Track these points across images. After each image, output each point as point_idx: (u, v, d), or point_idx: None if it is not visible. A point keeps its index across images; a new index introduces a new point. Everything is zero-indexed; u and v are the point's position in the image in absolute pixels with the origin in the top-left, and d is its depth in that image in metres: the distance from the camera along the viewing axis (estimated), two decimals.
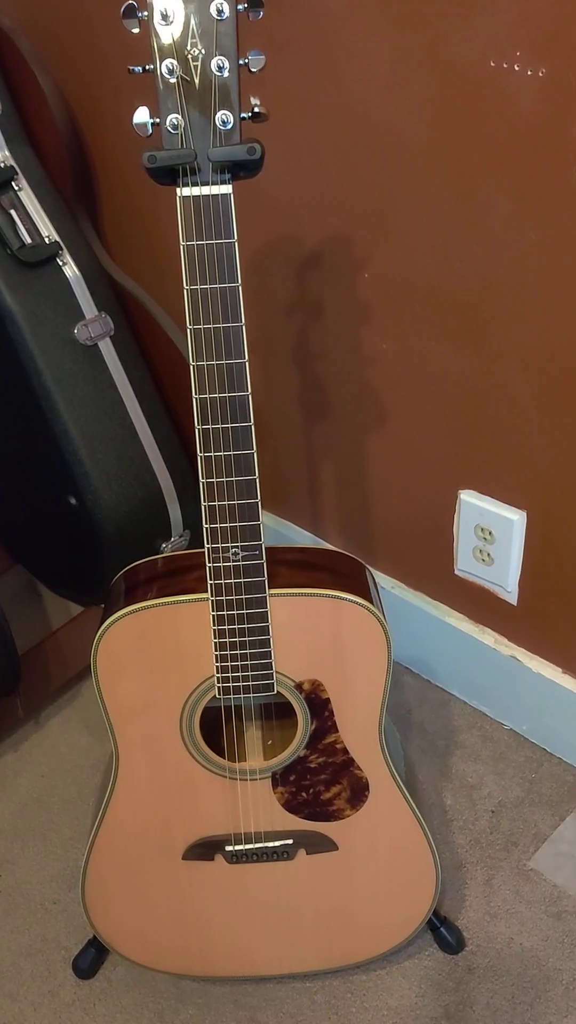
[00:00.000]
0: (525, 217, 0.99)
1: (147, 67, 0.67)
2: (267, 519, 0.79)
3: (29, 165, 1.23)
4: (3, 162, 1.21)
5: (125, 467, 1.30)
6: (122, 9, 0.67)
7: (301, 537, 1.49)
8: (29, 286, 1.21)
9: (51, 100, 1.24)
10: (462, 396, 1.16)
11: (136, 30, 0.67)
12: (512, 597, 1.25)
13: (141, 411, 1.30)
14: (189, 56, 0.67)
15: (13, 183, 1.21)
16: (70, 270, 1.24)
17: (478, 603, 1.30)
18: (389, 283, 1.15)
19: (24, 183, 1.22)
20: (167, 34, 0.66)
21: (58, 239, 1.23)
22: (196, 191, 0.69)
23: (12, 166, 1.21)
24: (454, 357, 1.13)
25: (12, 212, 1.21)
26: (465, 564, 1.28)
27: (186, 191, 0.69)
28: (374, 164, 1.08)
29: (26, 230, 1.21)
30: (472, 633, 1.32)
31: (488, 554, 1.24)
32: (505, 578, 1.24)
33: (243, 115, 0.68)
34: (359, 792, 0.93)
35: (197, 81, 0.67)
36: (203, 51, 0.67)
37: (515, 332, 1.06)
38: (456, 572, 1.30)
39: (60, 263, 1.23)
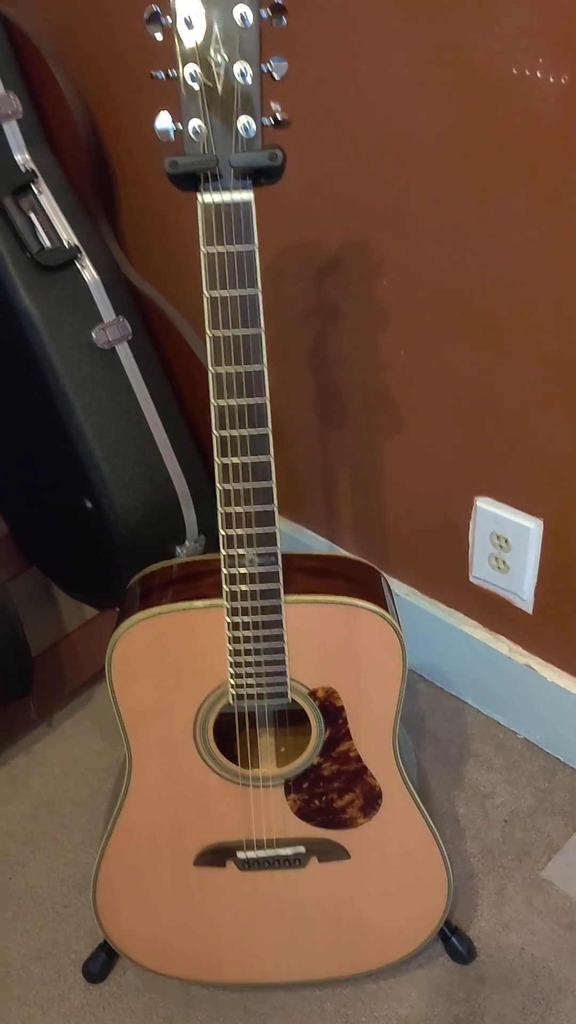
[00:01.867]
0: (543, 222, 0.98)
1: (170, 73, 0.67)
2: (282, 524, 0.79)
3: (49, 168, 1.24)
4: (23, 165, 1.22)
5: (141, 471, 1.30)
6: (146, 15, 0.67)
7: (316, 542, 1.49)
8: (48, 289, 1.21)
9: (71, 103, 1.24)
10: (479, 402, 1.15)
11: (160, 36, 0.67)
12: (527, 605, 1.25)
13: (157, 415, 1.31)
14: (212, 62, 0.67)
15: (33, 186, 1.22)
16: (88, 274, 1.24)
17: (493, 611, 1.30)
18: (406, 288, 1.14)
19: (44, 186, 1.22)
20: (190, 40, 0.66)
21: (77, 243, 1.23)
22: (217, 197, 0.69)
23: (32, 169, 1.22)
24: (471, 363, 1.13)
25: (32, 215, 1.21)
26: (480, 571, 1.27)
27: (207, 197, 0.69)
28: (393, 168, 1.08)
29: (45, 233, 1.22)
30: (487, 641, 1.32)
31: (504, 562, 1.23)
32: (521, 586, 1.23)
33: (265, 121, 0.68)
34: (372, 800, 0.93)
35: (220, 87, 0.67)
36: (226, 57, 0.66)
37: (532, 338, 1.06)
38: (471, 579, 1.30)
39: (79, 267, 1.24)
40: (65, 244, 1.23)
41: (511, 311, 1.06)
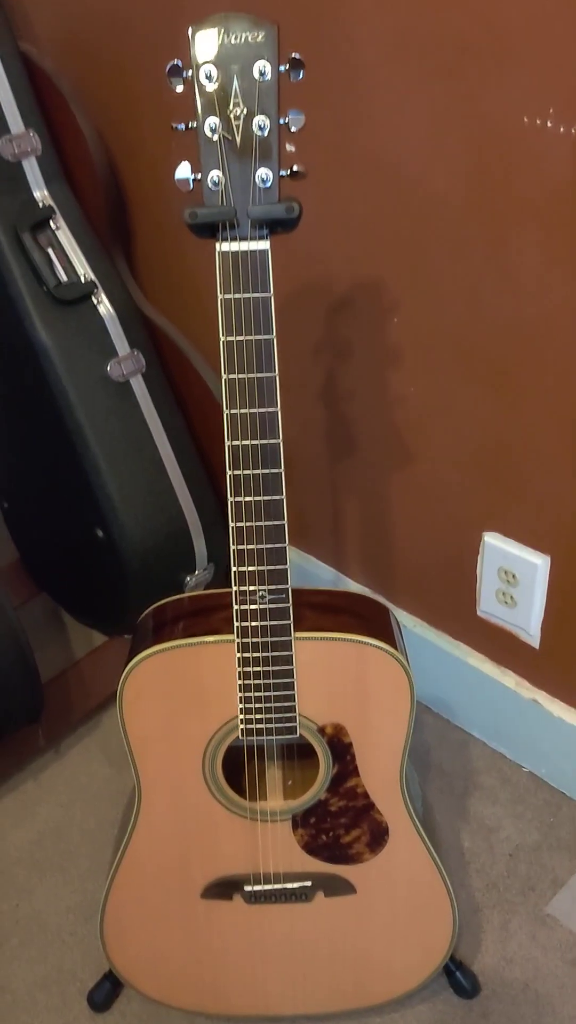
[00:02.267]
0: (556, 271, 1.00)
1: (190, 124, 0.69)
2: (290, 553, 0.80)
3: (67, 204, 1.26)
4: (42, 201, 1.24)
5: (153, 502, 1.31)
6: (167, 68, 0.69)
7: (323, 572, 1.50)
8: (64, 323, 1.23)
9: (90, 142, 1.27)
10: (488, 440, 1.17)
11: (180, 88, 0.69)
12: (534, 640, 1.26)
13: (170, 447, 1.32)
14: (231, 115, 0.68)
15: (51, 222, 1.24)
16: (104, 308, 1.26)
17: (500, 645, 1.31)
18: (418, 329, 1.16)
19: (62, 222, 1.24)
20: (210, 93, 0.68)
21: (93, 278, 1.25)
22: (235, 246, 0.71)
23: (51, 205, 1.24)
24: (481, 402, 1.15)
25: (49, 250, 1.23)
26: (488, 606, 1.28)
27: (225, 246, 0.71)
28: (407, 215, 1.09)
29: (62, 268, 1.24)
30: (493, 675, 1.33)
31: (511, 597, 1.24)
32: (528, 621, 1.24)
33: (282, 173, 0.70)
34: (379, 836, 0.93)
35: (238, 139, 0.69)
36: (245, 110, 0.68)
37: (543, 382, 1.07)
38: (478, 613, 1.31)
39: (95, 301, 1.25)
40: (82, 279, 1.25)
41: (523, 355, 1.08)
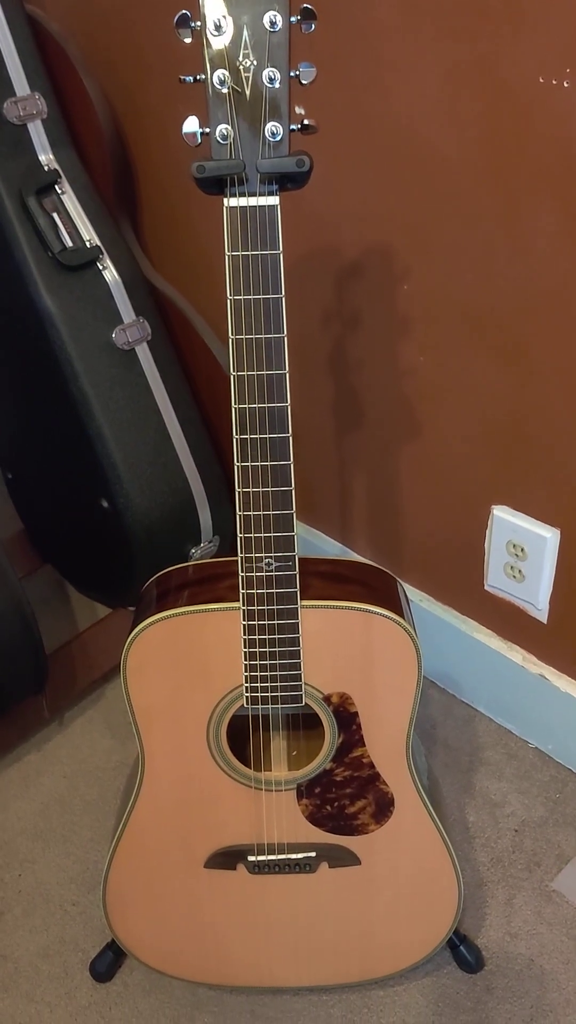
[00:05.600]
0: (572, 238, 0.98)
1: (198, 77, 0.67)
2: (296, 527, 0.79)
3: (73, 169, 1.24)
4: (47, 165, 1.22)
5: (158, 472, 1.30)
6: (175, 19, 0.67)
7: (330, 547, 1.49)
8: (69, 289, 1.22)
9: (97, 105, 1.25)
10: (499, 411, 1.15)
11: (188, 40, 0.67)
12: (543, 615, 1.24)
13: (175, 416, 1.31)
14: (240, 67, 0.67)
15: (57, 186, 1.22)
16: (110, 274, 1.24)
17: (508, 620, 1.30)
18: (429, 297, 1.14)
19: (67, 187, 1.23)
20: (219, 44, 0.66)
21: (99, 243, 1.23)
22: (243, 202, 0.69)
23: (56, 169, 1.22)
24: (492, 373, 1.13)
25: (55, 215, 1.21)
26: (496, 580, 1.27)
27: (233, 201, 0.69)
28: (418, 179, 1.07)
29: (68, 233, 1.22)
30: (500, 650, 1.31)
31: (519, 571, 1.23)
32: (536, 595, 1.23)
33: (292, 127, 0.68)
34: (384, 807, 0.92)
35: (248, 92, 0.67)
36: (255, 62, 0.67)
37: (556, 352, 1.06)
38: (486, 588, 1.30)
39: (100, 267, 1.24)
40: (87, 244, 1.23)
41: (536, 324, 1.06)
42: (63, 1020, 1.07)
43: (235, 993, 1.08)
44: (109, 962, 1.10)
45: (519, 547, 1.21)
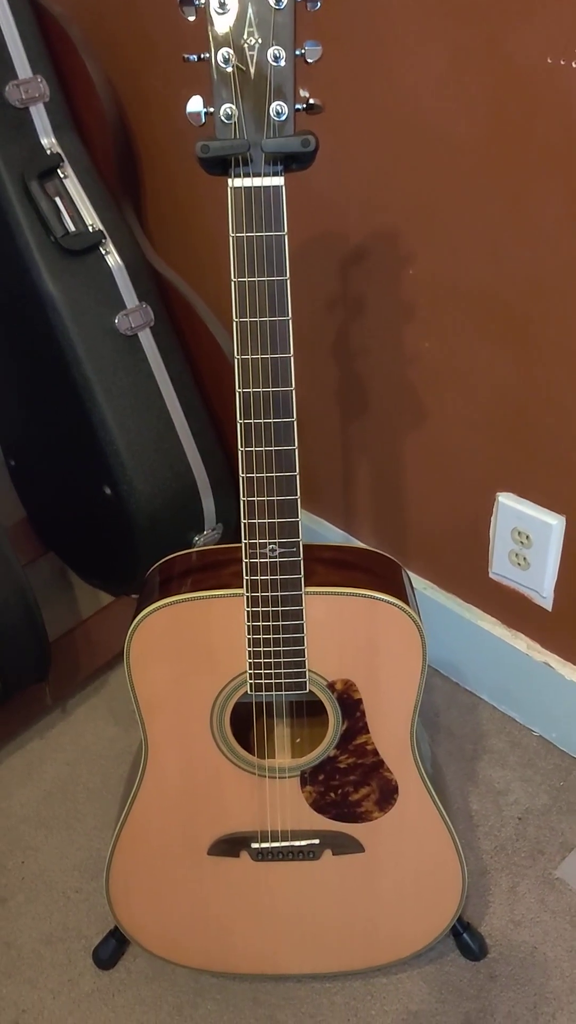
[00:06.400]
0: None
1: (202, 56, 0.67)
2: (300, 515, 0.79)
3: (76, 153, 1.23)
4: (50, 149, 1.21)
5: (161, 458, 1.29)
6: None
7: (333, 534, 1.48)
8: (72, 274, 1.21)
9: (99, 89, 1.24)
10: (505, 398, 1.14)
11: (192, 18, 0.66)
12: (547, 603, 1.24)
13: (178, 402, 1.30)
14: (245, 45, 0.66)
15: (59, 170, 1.21)
16: (112, 259, 1.23)
17: (512, 607, 1.29)
18: (434, 281, 1.13)
19: (70, 171, 1.22)
20: (223, 23, 0.65)
21: (102, 228, 1.22)
22: (247, 182, 0.68)
23: (59, 153, 1.21)
24: (498, 359, 1.12)
25: (57, 199, 1.20)
26: (500, 567, 1.27)
27: (237, 182, 0.69)
28: (424, 161, 1.06)
29: (70, 218, 1.21)
30: (504, 638, 1.31)
31: (524, 558, 1.22)
32: (541, 583, 1.22)
33: (298, 107, 0.67)
34: (388, 795, 0.92)
35: (252, 71, 0.66)
36: (259, 41, 0.66)
37: (563, 338, 1.05)
38: (490, 575, 1.29)
39: (103, 252, 1.23)
40: (90, 229, 1.22)
41: (543, 309, 1.05)
42: (66, 1007, 1.07)
43: (238, 980, 1.08)
44: (112, 949, 1.10)
45: (524, 534, 1.20)
